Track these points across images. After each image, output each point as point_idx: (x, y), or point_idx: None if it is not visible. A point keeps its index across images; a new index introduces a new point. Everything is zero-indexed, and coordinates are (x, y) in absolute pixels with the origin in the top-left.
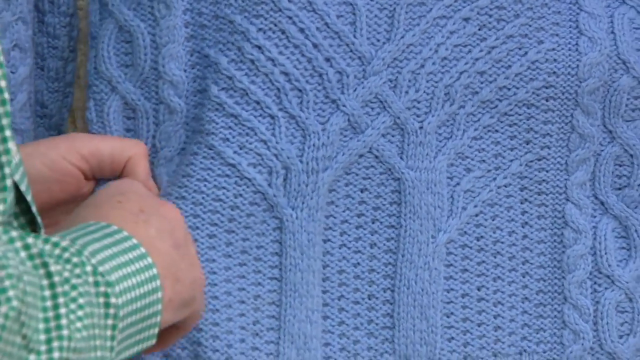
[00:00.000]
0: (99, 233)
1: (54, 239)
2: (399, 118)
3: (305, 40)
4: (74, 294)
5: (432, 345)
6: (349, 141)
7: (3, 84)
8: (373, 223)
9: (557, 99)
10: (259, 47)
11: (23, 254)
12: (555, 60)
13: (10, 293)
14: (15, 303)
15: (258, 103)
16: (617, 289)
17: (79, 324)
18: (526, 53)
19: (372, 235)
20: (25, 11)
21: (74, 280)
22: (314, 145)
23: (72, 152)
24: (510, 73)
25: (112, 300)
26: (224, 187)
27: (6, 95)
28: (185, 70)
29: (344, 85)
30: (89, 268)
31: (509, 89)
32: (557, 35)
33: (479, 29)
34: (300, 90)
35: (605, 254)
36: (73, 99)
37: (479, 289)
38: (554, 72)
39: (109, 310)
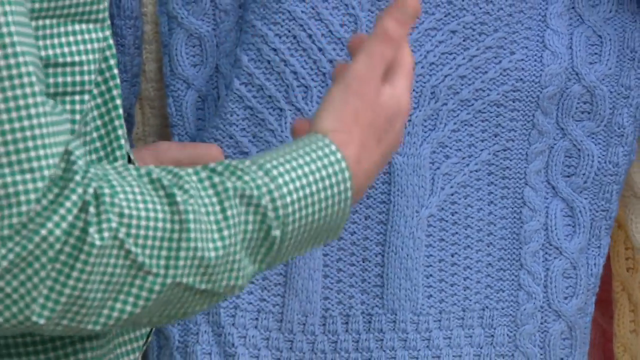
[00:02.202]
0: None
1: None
2: None
3: (312, 45)
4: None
5: (414, 301)
6: None
7: (115, 92)
8: (367, 199)
9: (522, 101)
10: (275, 50)
11: (194, 177)
12: (523, 69)
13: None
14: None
15: (270, 97)
16: (564, 258)
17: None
18: (500, 62)
19: (366, 209)
20: None
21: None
22: None
23: (156, 162)
24: (486, 78)
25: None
26: None
27: (118, 102)
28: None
29: None
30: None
31: (483, 91)
32: (526, 48)
33: (463, 40)
34: (306, 87)
35: (555, 229)
36: (140, 88)
37: (452, 256)
38: (521, 79)
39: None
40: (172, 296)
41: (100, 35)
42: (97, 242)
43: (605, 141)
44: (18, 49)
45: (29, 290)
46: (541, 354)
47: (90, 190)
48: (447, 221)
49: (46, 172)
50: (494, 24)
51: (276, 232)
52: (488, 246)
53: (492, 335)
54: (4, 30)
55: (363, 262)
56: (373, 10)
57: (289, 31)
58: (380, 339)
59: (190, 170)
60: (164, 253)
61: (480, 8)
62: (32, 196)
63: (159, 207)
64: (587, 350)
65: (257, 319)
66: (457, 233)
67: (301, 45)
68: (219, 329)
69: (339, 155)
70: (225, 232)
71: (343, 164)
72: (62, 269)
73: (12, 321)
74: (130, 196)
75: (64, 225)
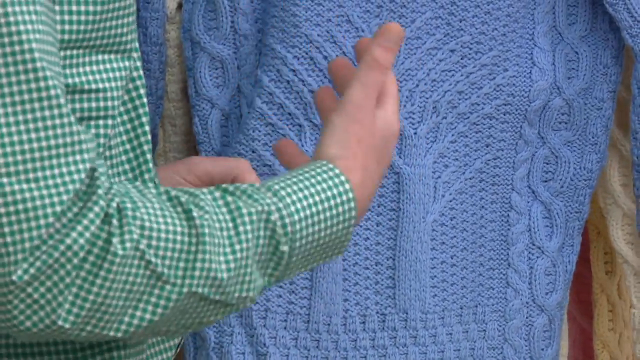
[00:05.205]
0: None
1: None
2: None
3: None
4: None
5: (423, 300)
6: None
7: (144, 119)
8: (378, 207)
9: (512, 114)
10: (294, 71)
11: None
12: (514, 84)
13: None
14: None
15: (290, 115)
16: (546, 257)
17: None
18: (494, 78)
19: (377, 216)
20: None
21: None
22: None
23: (190, 174)
24: (481, 93)
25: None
26: None
27: (147, 128)
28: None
29: None
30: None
31: (478, 105)
32: (517, 65)
33: (461, 59)
34: None
35: (537, 230)
36: (163, 109)
37: (451, 257)
38: (512, 94)
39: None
40: (188, 305)
41: (124, 64)
42: (120, 252)
43: (580, 149)
44: (48, 73)
45: (55, 296)
46: (526, 346)
47: (114, 204)
48: (447, 225)
49: (71, 187)
50: (489, 43)
51: (284, 248)
52: (480, 247)
53: (485, 330)
54: (34, 55)
55: (376, 265)
56: None
57: (306, 53)
58: (393, 336)
59: (205, 190)
60: (181, 264)
61: (477, 29)
62: (58, 208)
63: (177, 222)
64: (560, 341)
65: (286, 320)
66: (455, 236)
67: (317, 66)
68: (251, 330)
69: (343, 178)
70: (237, 247)
71: (347, 186)
72: (86, 276)
73: (39, 325)
74: (151, 211)
75: (87, 235)
